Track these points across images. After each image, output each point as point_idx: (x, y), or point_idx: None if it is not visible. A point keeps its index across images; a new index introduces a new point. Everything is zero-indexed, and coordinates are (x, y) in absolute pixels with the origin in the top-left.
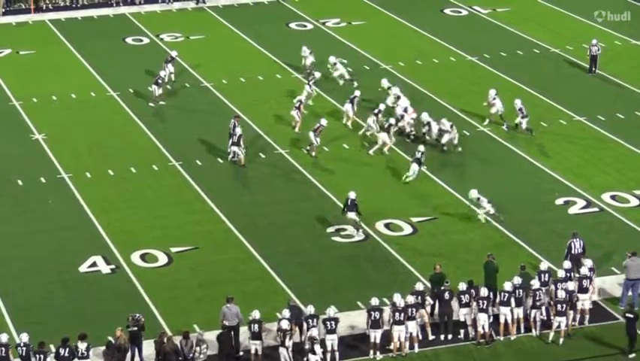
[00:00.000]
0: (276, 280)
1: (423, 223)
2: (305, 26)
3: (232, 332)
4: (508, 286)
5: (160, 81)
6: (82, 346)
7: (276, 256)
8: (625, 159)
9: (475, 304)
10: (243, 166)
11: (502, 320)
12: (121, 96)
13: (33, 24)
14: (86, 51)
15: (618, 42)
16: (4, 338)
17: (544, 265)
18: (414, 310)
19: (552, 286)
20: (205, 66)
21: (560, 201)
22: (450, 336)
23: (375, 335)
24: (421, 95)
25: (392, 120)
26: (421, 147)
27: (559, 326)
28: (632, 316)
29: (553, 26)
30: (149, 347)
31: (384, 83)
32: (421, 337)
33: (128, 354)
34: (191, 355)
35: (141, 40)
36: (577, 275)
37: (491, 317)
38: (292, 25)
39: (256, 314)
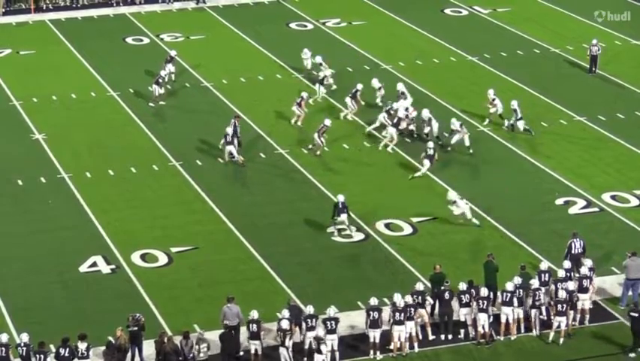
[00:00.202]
0: (276, 280)
1: (423, 223)
2: (305, 26)
3: (233, 332)
4: (510, 286)
5: (160, 81)
6: (82, 346)
7: (276, 256)
8: (625, 159)
9: (475, 304)
10: (242, 165)
11: (503, 320)
12: (121, 96)
13: (33, 24)
14: (86, 51)
15: (618, 42)
16: (4, 338)
17: (544, 265)
18: (412, 310)
19: (552, 286)
20: (205, 66)
21: (560, 201)
22: (450, 336)
23: (375, 335)
24: (421, 95)
25: (401, 113)
26: (431, 144)
27: (559, 326)
28: (636, 314)
29: (554, 26)
30: (149, 347)
31: (375, 83)
32: (421, 337)
33: (128, 354)
34: (191, 355)
35: (141, 40)
36: (577, 275)
37: (491, 317)
38: (292, 25)
39: (254, 314)
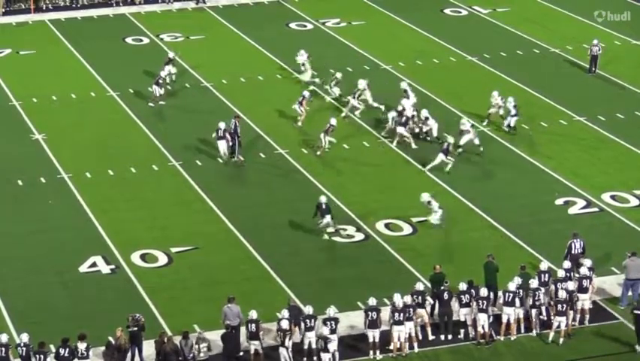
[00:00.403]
0: (276, 280)
1: (423, 223)
2: (305, 26)
3: (234, 332)
4: (512, 286)
5: (160, 81)
6: (82, 346)
7: (276, 256)
8: (625, 159)
9: (475, 304)
10: (242, 165)
11: (504, 320)
12: (121, 96)
13: (33, 24)
14: (85, 51)
15: (618, 42)
16: (4, 338)
17: (544, 265)
18: (411, 310)
19: (552, 286)
20: (205, 66)
21: (559, 201)
22: (450, 336)
23: (374, 335)
24: (421, 95)
25: (408, 112)
26: (450, 138)
27: (559, 326)
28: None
29: (553, 26)
30: (149, 347)
31: (361, 84)
32: (420, 337)
33: (128, 354)
34: (191, 355)
35: (141, 40)
36: (577, 275)
37: (491, 317)
38: (292, 25)
39: (253, 314)
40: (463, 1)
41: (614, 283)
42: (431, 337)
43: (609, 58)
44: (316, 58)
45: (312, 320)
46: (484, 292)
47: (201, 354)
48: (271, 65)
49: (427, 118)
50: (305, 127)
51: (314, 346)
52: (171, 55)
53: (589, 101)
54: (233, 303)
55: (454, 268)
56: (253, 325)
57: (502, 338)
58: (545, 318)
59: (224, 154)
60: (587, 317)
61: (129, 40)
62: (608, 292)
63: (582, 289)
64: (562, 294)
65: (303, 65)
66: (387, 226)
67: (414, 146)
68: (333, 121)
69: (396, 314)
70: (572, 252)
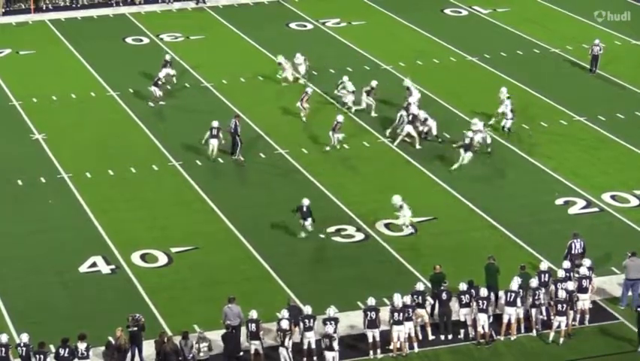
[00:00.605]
0: (276, 280)
1: (423, 223)
2: (305, 26)
3: (234, 332)
4: (514, 286)
5: (160, 82)
6: (82, 346)
7: (276, 256)
8: (625, 159)
9: (474, 304)
10: (242, 165)
11: (505, 320)
12: (121, 96)
13: (33, 24)
14: (86, 51)
15: (618, 42)
16: (4, 338)
17: (544, 265)
18: (411, 310)
19: (552, 286)
20: (205, 66)
21: (559, 201)
22: (450, 336)
23: (374, 335)
24: (421, 95)
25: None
26: (470, 133)
27: (559, 326)
28: None
29: (553, 26)
30: (149, 347)
31: (349, 86)
32: (420, 337)
33: (128, 354)
34: (190, 355)
35: (141, 40)
36: (576, 275)
37: (491, 317)
38: (292, 25)
39: (253, 314)
40: (463, 1)
41: (614, 284)
42: (431, 337)
43: (609, 58)
44: (316, 58)
45: (311, 320)
46: (484, 292)
47: (201, 354)
48: (271, 65)
49: (425, 119)
50: (305, 128)
51: (313, 346)
52: (168, 57)
53: (589, 101)
54: (234, 303)
55: (454, 268)
56: (253, 325)
57: (502, 338)
58: (545, 318)
59: (212, 152)
60: (587, 316)
61: (129, 40)
62: (608, 292)
63: (582, 289)
64: (561, 294)
65: (280, 64)
66: (387, 226)
67: (417, 146)
68: (340, 118)
69: (396, 314)
70: (572, 252)
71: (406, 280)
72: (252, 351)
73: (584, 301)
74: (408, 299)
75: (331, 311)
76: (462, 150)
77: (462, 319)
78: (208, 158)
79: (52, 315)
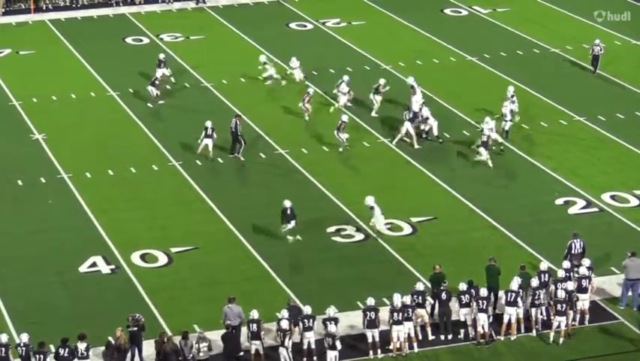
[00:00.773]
0: (276, 280)
1: (423, 223)
2: (305, 26)
3: (234, 332)
4: (515, 286)
5: (157, 83)
6: (81, 346)
7: (276, 256)
8: (625, 159)
9: (474, 304)
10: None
11: (505, 320)
12: (121, 96)
13: (33, 24)
14: (86, 51)
15: (618, 42)
16: (4, 338)
17: (544, 265)
18: (410, 310)
19: (552, 286)
20: (205, 66)
21: (559, 201)
22: (450, 336)
23: (373, 335)
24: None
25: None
26: (487, 131)
27: (559, 326)
28: None
29: (553, 26)
30: (149, 347)
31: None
32: (420, 337)
33: (128, 354)
34: (190, 355)
35: (141, 40)
36: (576, 275)
37: (491, 317)
38: (292, 25)
39: (255, 314)
40: (463, 1)
41: (614, 284)
42: (431, 337)
43: (609, 58)
44: (316, 58)
45: (311, 320)
46: (483, 292)
47: (201, 354)
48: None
49: (427, 118)
50: (305, 128)
51: (313, 346)
52: (162, 56)
53: (589, 101)
54: (234, 303)
55: (454, 268)
56: (255, 325)
57: (502, 338)
58: (545, 318)
59: (208, 151)
60: (587, 316)
61: (129, 40)
62: (607, 292)
63: (581, 289)
64: (561, 294)
65: (265, 63)
66: (387, 226)
67: (416, 146)
68: (344, 118)
69: (395, 314)
70: (572, 252)
71: (405, 280)
72: (253, 351)
73: (584, 302)
74: (408, 299)
75: (331, 311)
76: (482, 149)
77: (462, 319)
78: (203, 156)
79: (52, 315)
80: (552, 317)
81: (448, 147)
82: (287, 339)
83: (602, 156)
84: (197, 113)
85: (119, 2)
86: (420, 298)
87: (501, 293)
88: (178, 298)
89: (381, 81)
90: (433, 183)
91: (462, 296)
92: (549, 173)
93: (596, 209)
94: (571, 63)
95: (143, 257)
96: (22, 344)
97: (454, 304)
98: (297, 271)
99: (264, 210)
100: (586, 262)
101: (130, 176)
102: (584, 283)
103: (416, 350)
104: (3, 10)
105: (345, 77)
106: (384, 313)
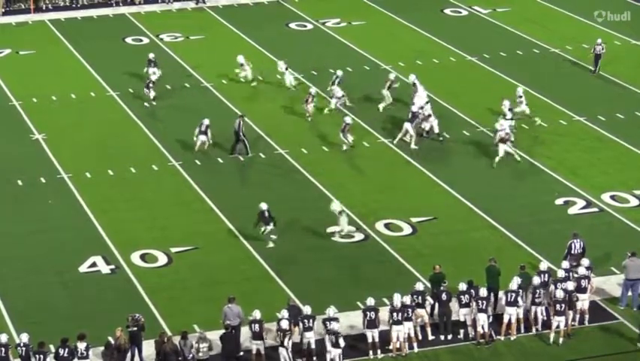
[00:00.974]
0: (276, 280)
1: (423, 223)
2: (305, 26)
3: (233, 332)
4: (515, 286)
5: (151, 85)
6: (81, 346)
7: (275, 256)
8: (625, 159)
9: (474, 304)
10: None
11: (505, 320)
12: (121, 96)
13: (33, 24)
14: (85, 51)
15: (618, 42)
16: (4, 338)
17: (544, 265)
18: (410, 310)
19: (552, 286)
20: (205, 66)
21: (559, 201)
22: (449, 336)
23: (373, 335)
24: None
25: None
26: (502, 126)
27: (558, 326)
28: None
29: (553, 26)
30: (149, 347)
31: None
32: (420, 337)
33: (128, 354)
34: (190, 355)
35: (141, 40)
36: (575, 275)
37: (491, 317)
38: (292, 25)
39: (257, 314)
40: (463, 1)
41: (614, 284)
42: (431, 337)
43: (609, 58)
44: (316, 58)
45: (311, 320)
46: (483, 292)
47: (201, 354)
48: (271, 65)
49: (429, 115)
50: (305, 128)
51: (313, 346)
52: (151, 56)
53: (589, 101)
54: (234, 303)
55: (454, 268)
56: (257, 325)
57: (502, 338)
58: (545, 318)
59: (203, 146)
60: (587, 316)
61: (129, 40)
62: (607, 292)
63: (581, 289)
64: (560, 294)
65: (242, 64)
66: (387, 226)
67: (413, 146)
68: (348, 119)
69: (395, 314)
70: (572, 252)
71: (405, 280)
72: (254, 351)
73: (584, 302)
74: (407, 299)
75: (331, 311)
76: (500, 145)
77: (462, 319)
78: (201, 154)
79: (52, 315)
80: (552, 317)
81: (448, 147)
82: (287, 339)
83: (602, 156)
84: (197, 113)
85: (119, 2)
86: (420, 298)
87: (501, 294)
88: (178, 298)
89: (391, 76)
90: (433, 183)
91: (462, 296)
92: (549, 173)
93: (595, 209)
94: (571, 63)
95: (142, 257)
96: (22, 344)
97: (453, 304)
98: (297, 271)
99: None
100: (585, 262)
101: (130, 176)
102: (584, 283)
103: (416, 350)
104: (3, 10)
105: (339, 72)
106: (384, 314)
